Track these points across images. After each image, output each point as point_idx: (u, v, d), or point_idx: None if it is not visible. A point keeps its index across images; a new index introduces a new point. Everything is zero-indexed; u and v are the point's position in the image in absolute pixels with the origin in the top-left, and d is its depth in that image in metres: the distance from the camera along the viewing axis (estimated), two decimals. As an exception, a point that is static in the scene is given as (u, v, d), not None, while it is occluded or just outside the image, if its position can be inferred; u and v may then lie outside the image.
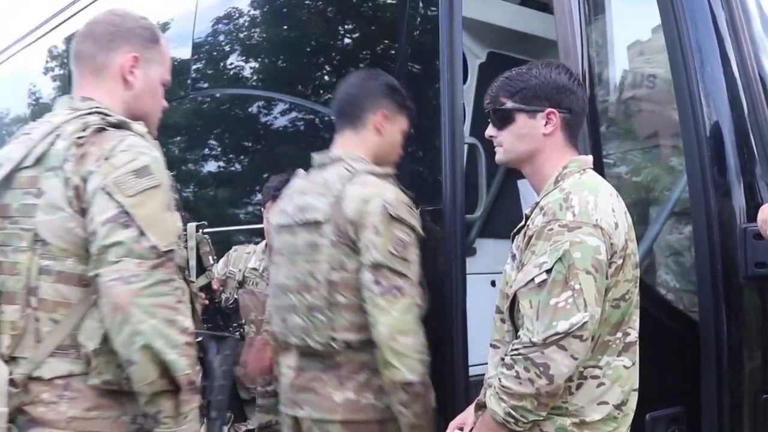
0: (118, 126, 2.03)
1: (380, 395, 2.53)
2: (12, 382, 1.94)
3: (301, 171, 2.84)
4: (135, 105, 2.17)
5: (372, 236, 2.48)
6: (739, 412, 2.55)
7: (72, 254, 1.96)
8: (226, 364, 2.26)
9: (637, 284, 2.16)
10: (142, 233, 1.91)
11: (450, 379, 2.89)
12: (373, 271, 2.47)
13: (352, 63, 3.97)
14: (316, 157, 2.79)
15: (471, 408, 2.27)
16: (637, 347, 2.16)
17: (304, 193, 2.70)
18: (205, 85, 4.76)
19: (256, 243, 3.82)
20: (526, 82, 2.23)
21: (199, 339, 2.13)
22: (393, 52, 3.63)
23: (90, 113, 2.05)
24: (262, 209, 3.54)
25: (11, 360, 1.97)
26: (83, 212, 1.95)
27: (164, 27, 5.24)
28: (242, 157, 4.78)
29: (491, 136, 2.30)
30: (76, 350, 1.97)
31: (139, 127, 2.08)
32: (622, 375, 2.10)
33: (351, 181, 2.59)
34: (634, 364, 2.15)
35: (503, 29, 4.04)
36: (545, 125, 2.20)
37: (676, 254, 3.12)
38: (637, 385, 2.17)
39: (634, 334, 2.15)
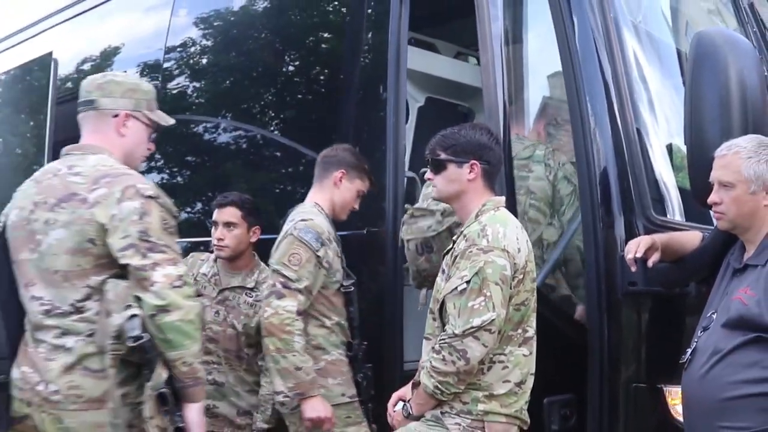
0: None
1: None
2: None
3: None
4: None
5: None
6: (616, 398, 3.34)
7: None
8: None
9: (535, 294, 2.92)
10: None
11: (389, 372, 3.72)
12: None
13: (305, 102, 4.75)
14: None
15: (410, 385, 3.03)
16: (534, 341, 2.92)
17: None
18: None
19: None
20: (456, 139, 2.98)
21: None
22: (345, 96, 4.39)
23: None
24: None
25: None
26: None
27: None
28: (188, 174, 5.44)
29: (429, 179, 3.08)
30: None
31: None
32: (521, 361, 2.87)
33: None
34: (531, 353, 2.91)
35: (439, 78, 4.89)
36: (469, 173, 2.94)
37: (573, 275, 3.98)
38: (533, 370, 2.92)
39: (531, 331, 2.91)
